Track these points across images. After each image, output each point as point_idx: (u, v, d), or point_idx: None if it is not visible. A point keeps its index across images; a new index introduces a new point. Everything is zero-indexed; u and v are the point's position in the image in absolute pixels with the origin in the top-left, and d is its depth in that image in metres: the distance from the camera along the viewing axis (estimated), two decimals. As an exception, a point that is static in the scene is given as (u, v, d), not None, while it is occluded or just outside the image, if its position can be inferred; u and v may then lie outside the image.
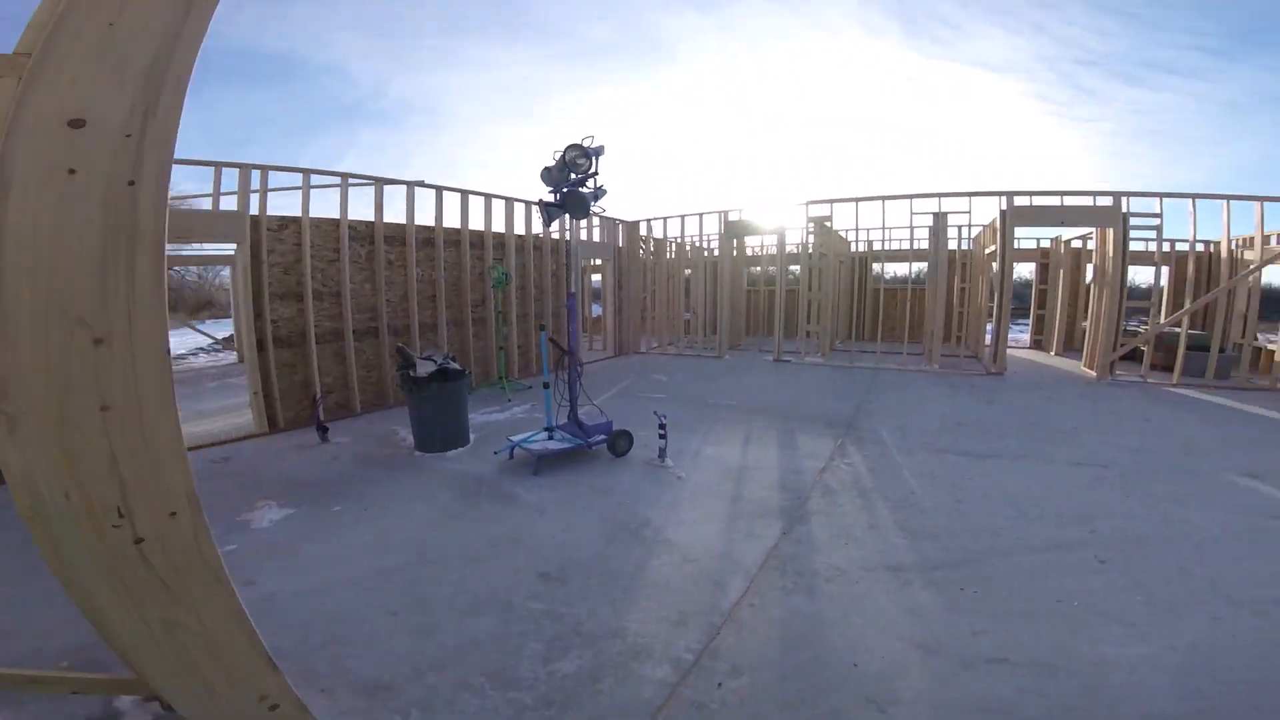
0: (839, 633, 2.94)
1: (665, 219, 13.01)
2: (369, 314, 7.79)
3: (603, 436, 5.74)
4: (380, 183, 7.85)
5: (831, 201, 11.26)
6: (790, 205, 11.62)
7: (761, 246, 16.45)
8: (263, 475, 5.38)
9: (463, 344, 8.96)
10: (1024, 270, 15.16)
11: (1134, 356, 11.31)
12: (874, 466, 5.57)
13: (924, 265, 12.27)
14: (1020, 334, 15.80)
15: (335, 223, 7.40)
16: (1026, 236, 14.88)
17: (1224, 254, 10.04)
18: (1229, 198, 9.06)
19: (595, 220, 11.98)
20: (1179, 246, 10.77)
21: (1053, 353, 13.30)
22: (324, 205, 8.22)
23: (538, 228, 10.05)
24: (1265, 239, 9.39)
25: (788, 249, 12.01)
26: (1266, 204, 8.98)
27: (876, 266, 15.95)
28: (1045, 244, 14.27)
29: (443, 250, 8.59)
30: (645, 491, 4.88)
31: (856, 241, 14.97)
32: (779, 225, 11.63)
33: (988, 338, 11.64)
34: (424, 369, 5.71)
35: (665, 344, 13.23)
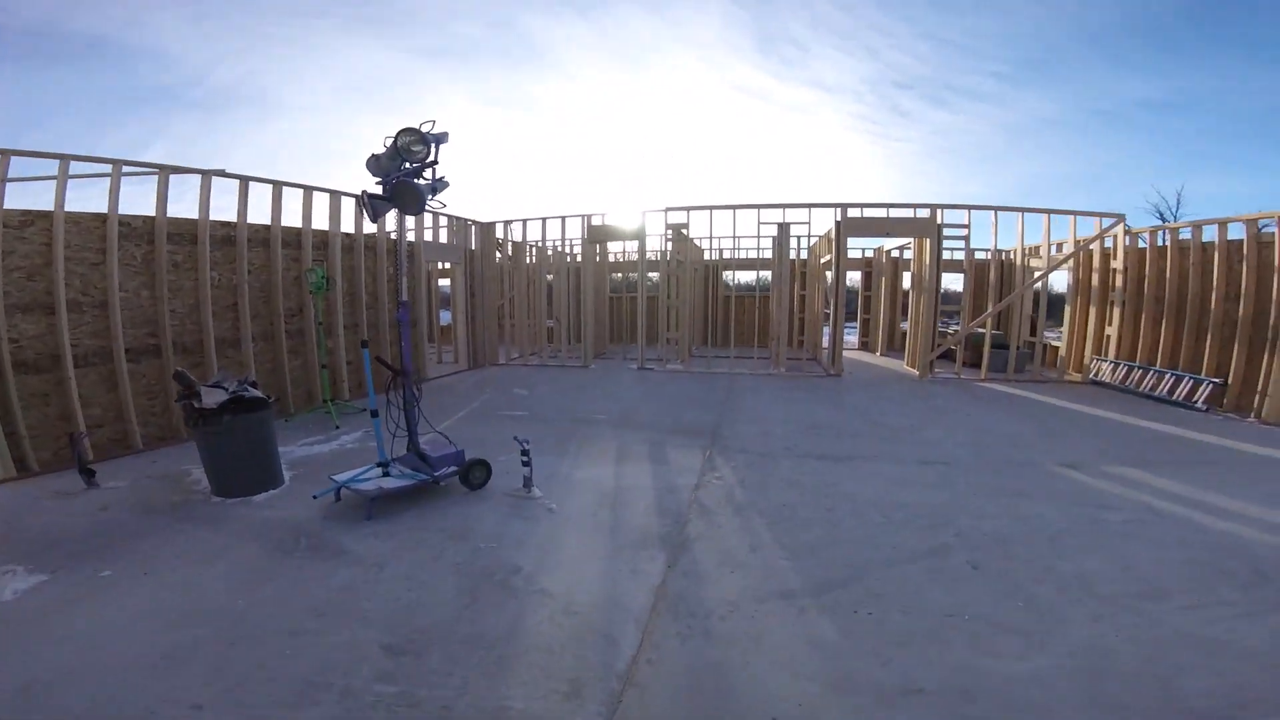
0: (748, 681, 2.54)
1: (525, 221, 12.29)
2: (148, 328, 6.28)
3: (452, 468, 4.91)
4: (166, 171, 6.40)
5: (688, 209, 11.25)
6: (649, 211, 11.45)
7: (623, 253, 16.24)
8: (7, 533, 4.03)
9: (276, 361, 7.59)
10: (853, 278, 16.37)
11: (948, 355, 12.52)
12: (744, 478, 5.36)
13: (769, 273, 12.74)
14: (851, 337, 17.09)
15: (101, 218, 5.89)
16: (853, 247, 16.11)
17: (1018, 261, 11.38)
18: (1024, 210, 10.27)
19: (442, 220, 10.96)
20: (981, 255, 12.10)
21: (878, 353, 14.43)
22: (94, 199, 6.51)
23: (374, 226, 8.91)
24: (1051, 247, 10.80)
25: (650, 255, 11.85)
26: (1053, 215, 10.30)
27: (727, 274, 16.44)
28: (869, 254, 15.50)
29: (246, 250, 7.21)
30: (512, 530, 4.21)
31: (711, 250, 15.32)
32: (640, 230, 11.40)
33: (825, 341, 12.30)
34: (212, 398, 4.54)
35: (527, 354, 12.48)
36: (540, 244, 12.43)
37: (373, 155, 4.35)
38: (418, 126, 4.35)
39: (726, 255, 15.42)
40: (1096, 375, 10.31)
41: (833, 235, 10.64)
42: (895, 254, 14.64)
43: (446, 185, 4.58)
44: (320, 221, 8.30)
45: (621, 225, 11.59)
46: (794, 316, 14.44)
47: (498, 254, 12.53)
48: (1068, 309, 11.13)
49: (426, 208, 4.54)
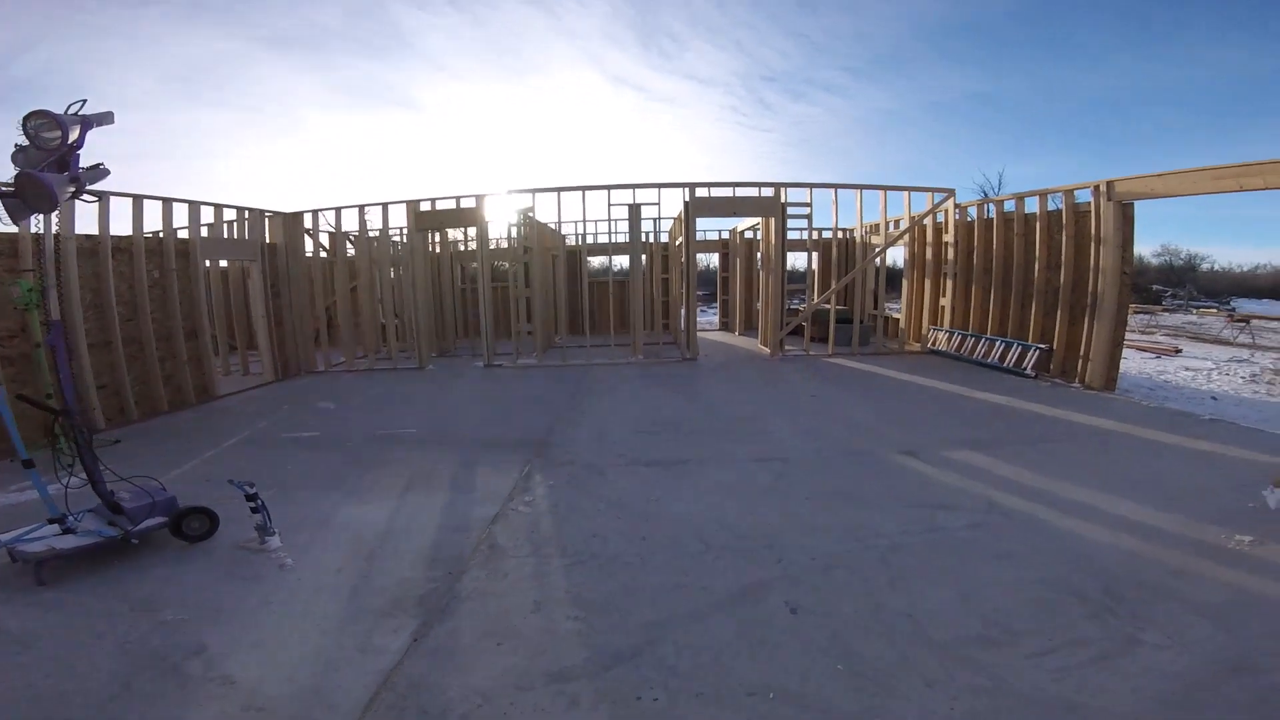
0: None
1: (339, 209, 10.45)
2: None
3: (159, 519, 3.61)
4: None
5: (534, 191, 10.01)
6: (490, 195, 10.08)
7: (468, 239, 14.66)
8: None
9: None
10: (713, 260, 15.87)
11: (799, 332, 12.25)
12: (559, 501, 4.36)
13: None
14: (712, 317, 16.67)
15: None
16: (710, 229, 15.58)
17: (859, 239, 11.15)
18: (861, 187, 9.97)
19: (229, 213, 9.05)
20: (828, 234, 11.84)
21: (737, 333, 14.00)
22: None
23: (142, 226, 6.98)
24: (890, 224, 10.64)
25: (500, 243, 10.52)
26: (888, 192, 10.09)
27: (601, 260, 15.40)
28: (725, 235, 15.03)
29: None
30: (219, 595, 3.07)
31: (577, 235, 14.17)
32: (477, 215, 10.02)
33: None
34: None
35: (354, 358, 10.76)
36: (363, 234, 10.66)
37: (16, 147, 3.31)
38: (48, 109, 3.15)
39: (594, 240, 14.34)
40: (934, 345, 10.31)
41: (682, 216, 9.88)
42: (749, 235, 14.22)
43: (104, 174, 3.71)
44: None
45: (455, 210, 10.16)
46: (655, 301, 13.71)
47: (310, 248, 10.69)
48: (904, 282, 11.10)
49: (73, 200, 3.32)
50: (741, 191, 9.94)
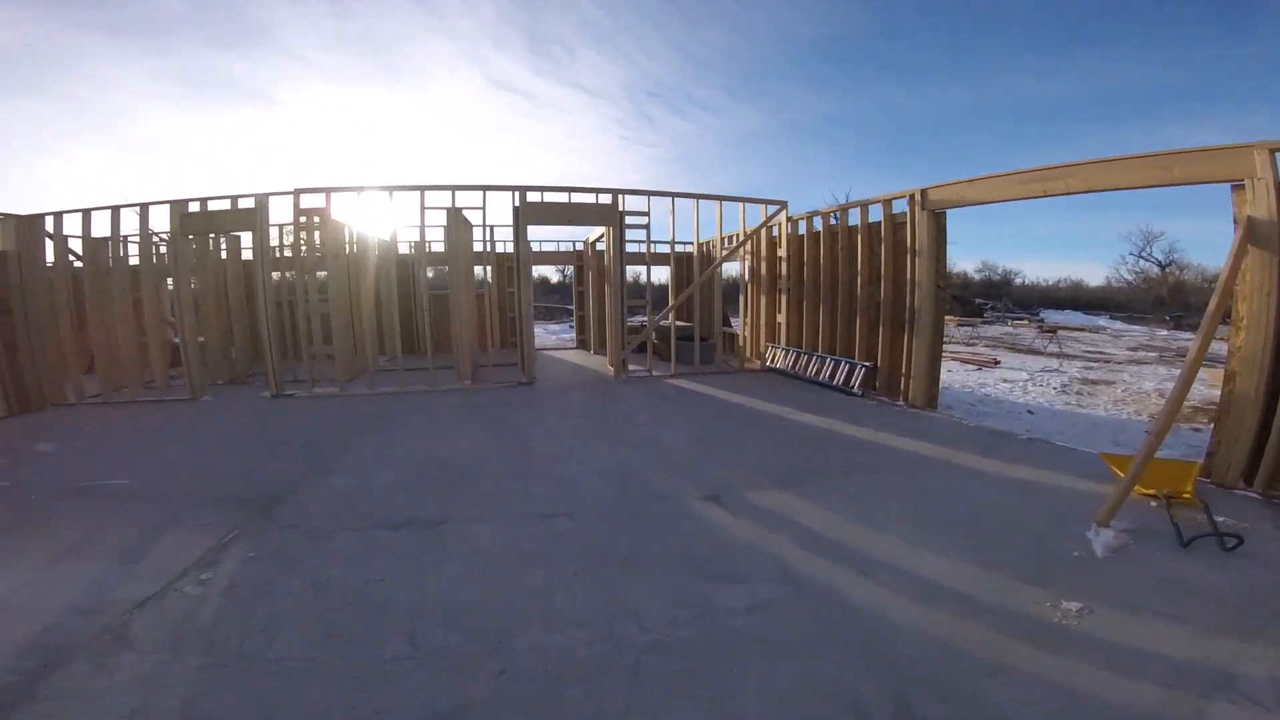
0: None
1: (88, 211, 8.26)
2: None
3: None
4: None
5: (328, 190, 8.45)
6: (278, 196, 8.40)
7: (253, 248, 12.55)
8: None
9: None
10: (567, 272, 14.88)
11: (652, 349, 11.56)
12: (246, 580, 3.15)
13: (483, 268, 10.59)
14: (568, 334, 15.70)
15: None
16: (563, 239, 14.63)
17: (704, 253, 10.63)
18: (698, 197, 9.41)
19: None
20: (680, 248, 11.26)
21: (591, 351, 13.10)
22: None
23: None
24: (725, 239, 10.20)
25: (299, 249, 8.79)
26: (724, 203, 9.61)
27: (441, 270, 13.83)
28: (579, 246, 14.13)
29: None
30: None
31: (413, 244, 12.51)
32: (258, 220, 8.29)
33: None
34: None
35: (112, 389, 8.55)
36: (114, 240, 8.54)
37: None
38: None
39: (437, 250, 12.75)
40: (772, 362, 9.97)
41: (512, 224, 8.80)
42: (602, 246, 13.43)
43: None
44: None
45: (229, 213, 8.39)
46: (500, 318, 12.50)
47: (54, 257, 8.45)
48: (742, 297, 10.73)
49: None
50: (579, 197, 9.04)
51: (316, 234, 8.91)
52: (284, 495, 4.50)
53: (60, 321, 8.42)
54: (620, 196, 9.01)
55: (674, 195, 9.24)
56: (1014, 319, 32.47)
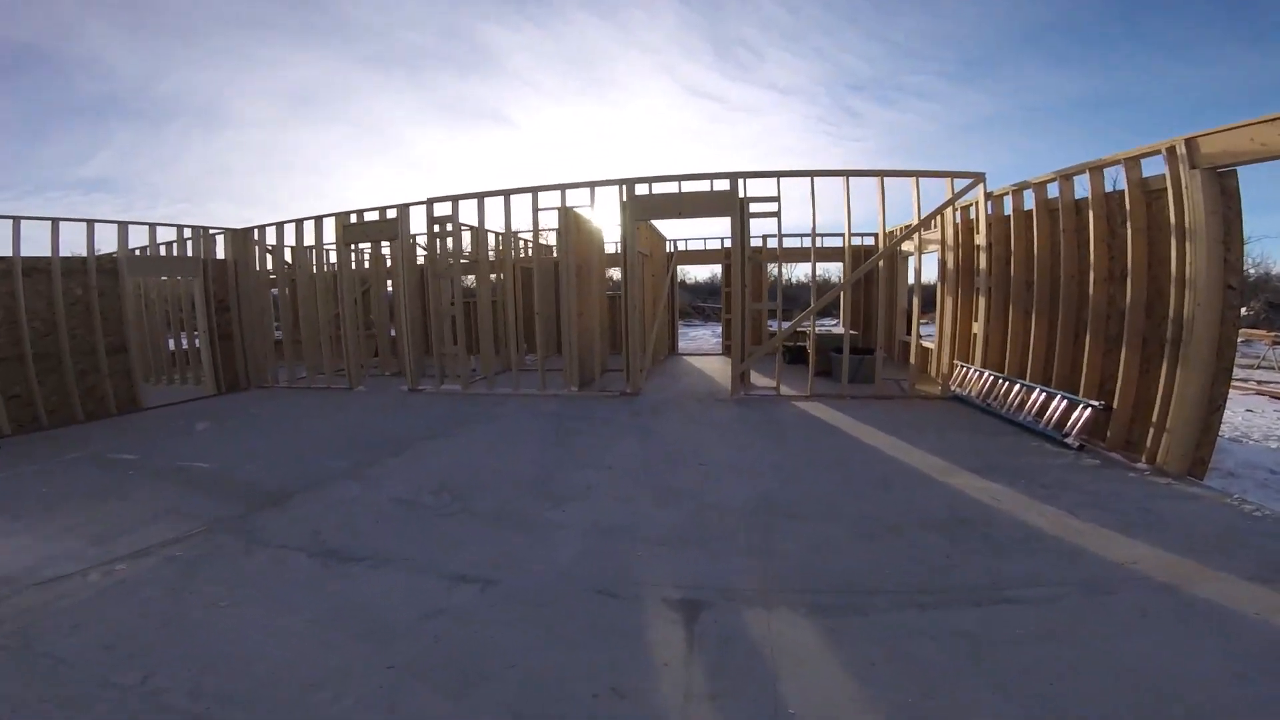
0: None
1: (280, 225, 9.44)
2: None
3: None
4: None
5: (455, 198, 8.29)
6: (416, 205, 8.57)
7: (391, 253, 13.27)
8: None
9: None
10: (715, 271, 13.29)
11: (802, 360, 9.48)
12: (136, 579, 2.97)
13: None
14: (716, 340, 14.05)
15: None
16: (712, 236, 13.00)
17: (887, 246, 8.17)
18: (847, 173, 7.14)
19: (167, 232, 8.38)
20: (856, 240, 8.97)
21: (739, 359, 11.33)
22: None
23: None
24: (924, 224, 7.64)
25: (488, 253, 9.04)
26: (888, 178, 7.18)
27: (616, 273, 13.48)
28: (729, 243, 12.42)
29: None
30: None
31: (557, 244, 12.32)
32: (400, 228, 8.57)
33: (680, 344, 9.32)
34: None
35: (310, 375, 9.69)
36: (299, 248, 9.55)
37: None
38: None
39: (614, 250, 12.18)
40: (960, 386, 7.18)
41: (620, 220, 7.71)
42: (758, 241, 11.54)
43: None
44: None
45: (379, 223, 8.75)
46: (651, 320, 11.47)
47: (270, 262, 9.86)
48: (938, 301, 7.99)
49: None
50: (692, 185, 7.58)
51: (463, 238, 8.93)
52: (292, 496, 4.50)
53: (268, 318, 9.80)
54: (741, 181, 7.28)
55: (812, 174, 7.15)
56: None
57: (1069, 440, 5.20)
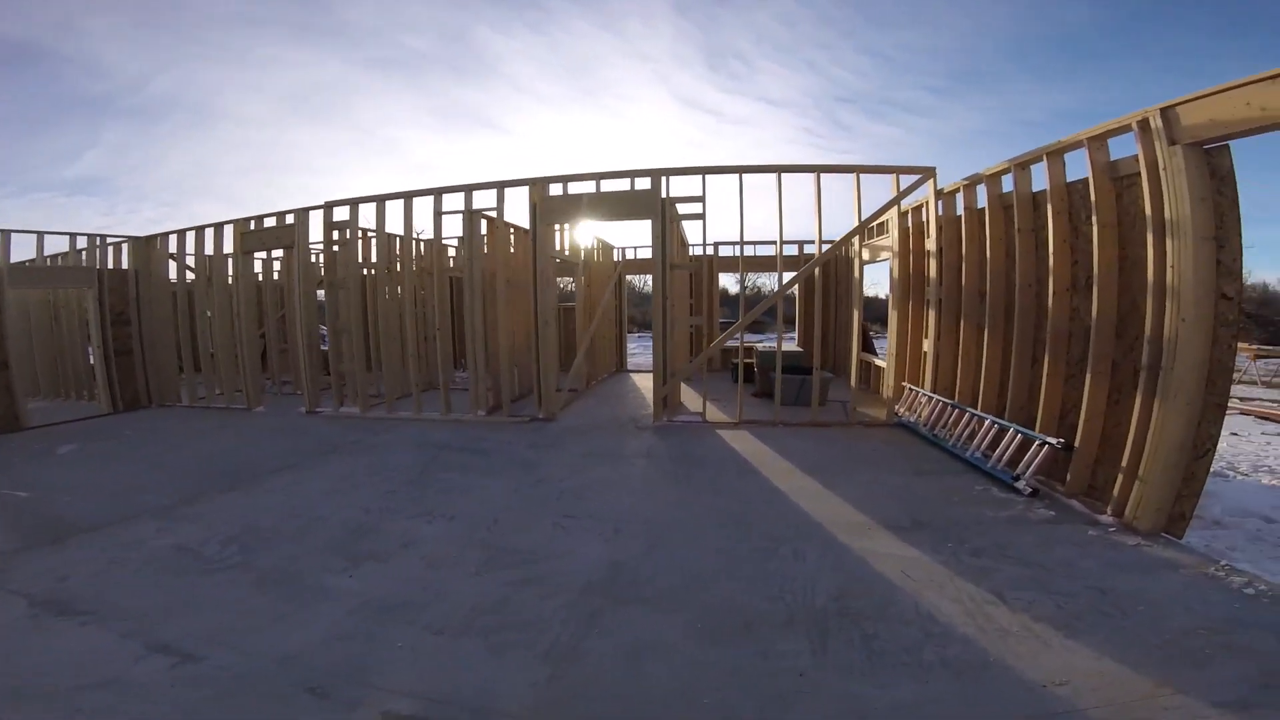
0: None
1: (182, 232, 8.30)
2: None
3: None
4: None
5: (355, 201, 7.18)
6: (315, 210, 7.47)
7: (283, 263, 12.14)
8: None
9: None
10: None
11: (751, 383, 8.37)
12: None
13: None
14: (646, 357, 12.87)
15: None
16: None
17: (843, 252, 7.00)
18: (780, 169, 6.03)
19: (56, 242, 7.33)
20: (792, 250, 7.83)
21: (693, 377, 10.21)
22: None
23: None
24: (866, 227, 6.51)
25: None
26: (824, 174, 6.07)
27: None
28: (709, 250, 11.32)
29: None
30: None
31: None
32: (297, 234, 7.49)
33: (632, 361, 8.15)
34: None
35: (209, 394, 8.62)
36: (199, 256, 8.48)
37: None
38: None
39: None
40: (911, 410, 6.04)
41: (530, 223, 6.62)
42: (712, 249, 10.44)
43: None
44: None
45: (276, 229, 7.71)
46: (611, 333, 10.36)
47: (177, 272, 8.83)
48: (889, 315, 6.86)
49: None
50: (611, 184, 6.50)
51: (387, 245, 7.86)
52: (80, 533, 3.76)
53: (171, 331, 8.72)
54: (664, 179, 6.20)
55: (741, 170, 6.06)
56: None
57: (1020, 484, 4.06)
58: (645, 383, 10.07)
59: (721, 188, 6.26)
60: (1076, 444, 3.92)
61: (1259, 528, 4.16)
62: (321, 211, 7.39)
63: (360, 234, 7.81)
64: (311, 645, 2.42)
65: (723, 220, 16.14)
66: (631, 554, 3.35)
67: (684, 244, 7.27)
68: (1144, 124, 3.36)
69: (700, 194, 6.11)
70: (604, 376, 9.96)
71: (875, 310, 17.56)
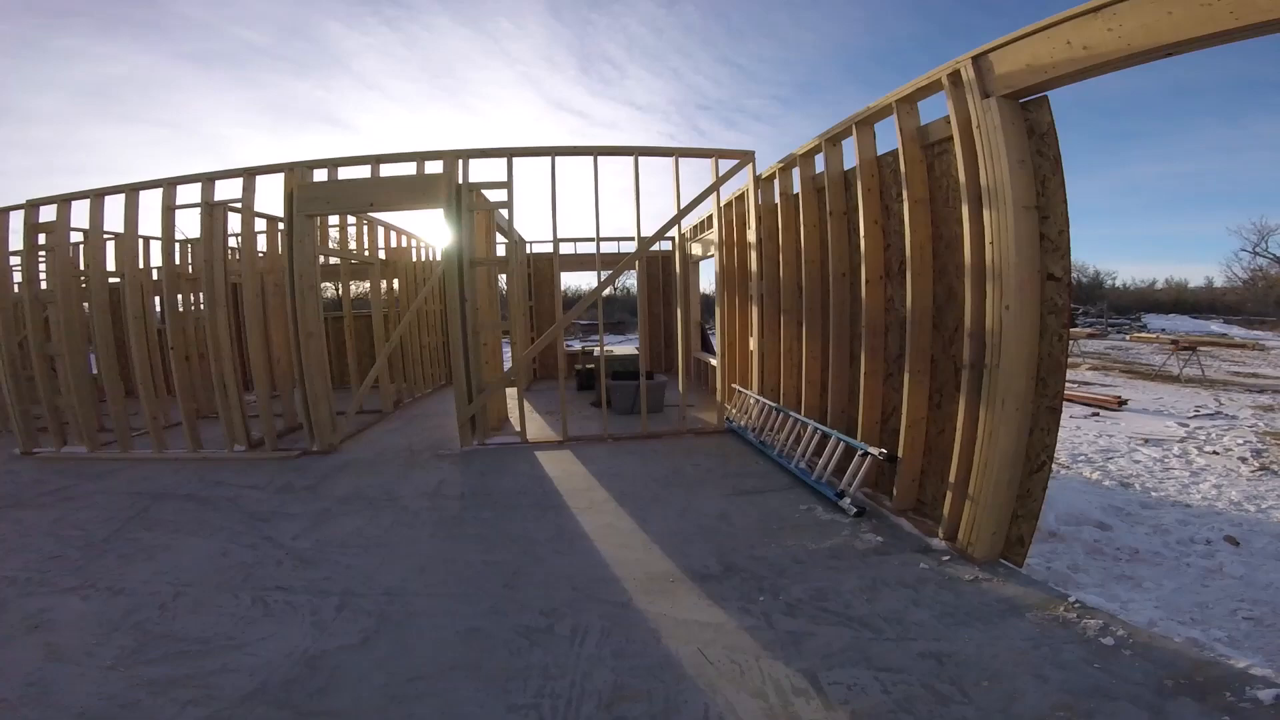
0: None
1: None
2: None
3: None
4: None
5: (63, 199, 5.11)
6: (16, 209, 5.23)
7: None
8: None
9: None
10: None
11: (592, 388, 7.31)
12: None
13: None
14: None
15: None
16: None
17: (680, 247, 5.94)
18: (597, 152, 4.96)
19: None
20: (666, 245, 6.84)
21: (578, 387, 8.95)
22: None
23: None
24: (685, 215, 5.58)
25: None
26: (644, 157, 5.10)
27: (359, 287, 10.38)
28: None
29: None
30: None
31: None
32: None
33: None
34: None
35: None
36: None
37: None
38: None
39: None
40: (740, 415, 5.29)
41: (284, 216, 4.99)
42: (549, 246, 9.28)
43: None
44: None
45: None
46: (437, 342, 8.73)
47: None
48: (716, 312, 6.09)
49: None
50: (393, 168, 5.06)
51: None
52: None
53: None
54: (461, 162, 4.87)
55: (554, 151, 4.92)
56: (1118, 327, 24.40)
57: (844, 503, 3.30)
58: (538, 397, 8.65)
59: (572, 175, 5.07)
60: (899, 454, 3.22)
61: (1096, 537, 3.78)
62: (23, 212, 5.14)
63: (111, 237, 5.59)
64: None
65: (575, 213, 14.90)
66: (342, 642, 2.11)
67: (505, 237, 5.99)
68: (955, 77, 2.66)
69: (506, 179, 4.85)
70: (429, 391, 8.34)
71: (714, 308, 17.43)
